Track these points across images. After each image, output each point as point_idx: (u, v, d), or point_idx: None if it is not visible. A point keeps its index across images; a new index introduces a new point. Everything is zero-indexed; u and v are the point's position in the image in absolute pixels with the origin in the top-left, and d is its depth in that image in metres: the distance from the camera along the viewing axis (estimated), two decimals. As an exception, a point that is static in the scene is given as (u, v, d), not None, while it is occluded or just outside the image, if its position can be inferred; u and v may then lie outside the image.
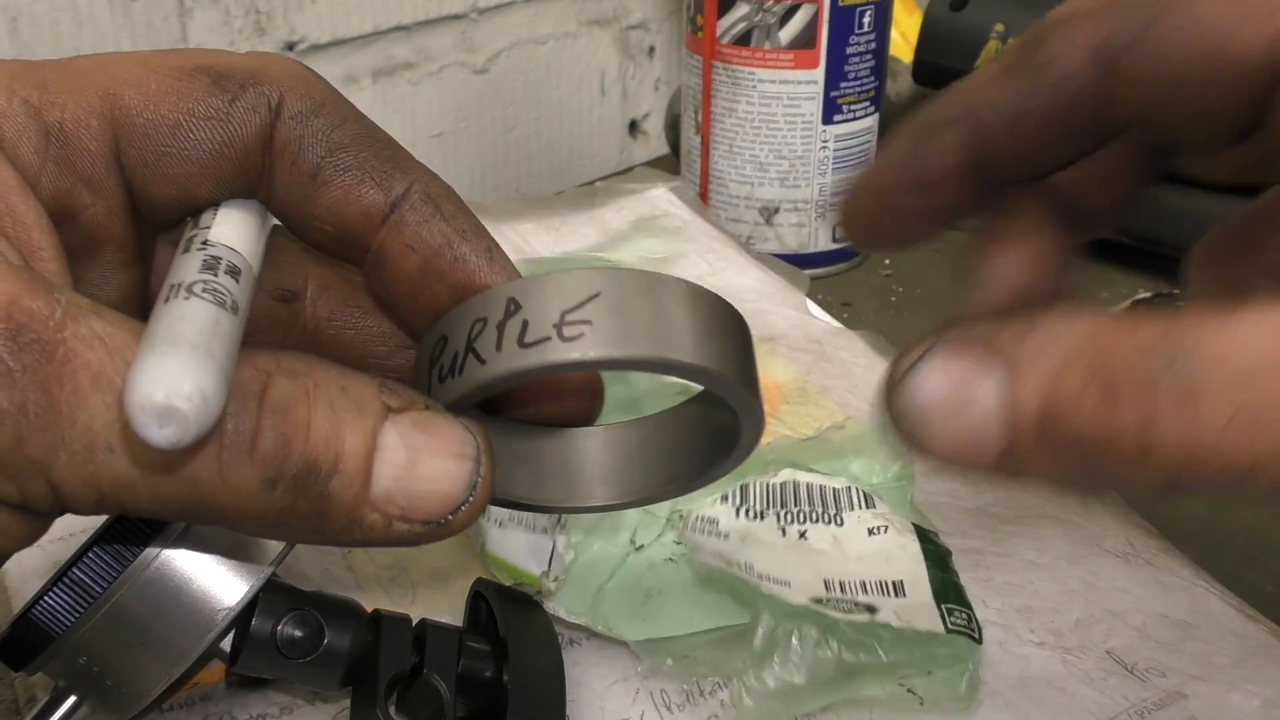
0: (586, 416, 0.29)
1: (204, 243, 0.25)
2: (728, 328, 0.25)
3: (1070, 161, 0.26)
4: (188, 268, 0.24)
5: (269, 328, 0.29)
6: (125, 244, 0.27)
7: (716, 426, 0.28)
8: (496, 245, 0.27)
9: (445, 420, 0.24)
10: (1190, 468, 0.20)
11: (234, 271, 0.24)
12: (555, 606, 0.37)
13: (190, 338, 0.21)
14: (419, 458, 0.23)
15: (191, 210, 0.27)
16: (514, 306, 0.23)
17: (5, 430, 0.20)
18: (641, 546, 0.40)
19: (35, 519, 0.23)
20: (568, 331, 0.23)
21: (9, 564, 0.40)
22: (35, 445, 0.21)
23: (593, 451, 0.29)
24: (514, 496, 0.29)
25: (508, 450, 0.28)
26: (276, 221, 0.28)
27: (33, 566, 0.40)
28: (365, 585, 0.40)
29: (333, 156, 0.26)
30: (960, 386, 0.21)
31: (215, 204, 0.27)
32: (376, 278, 0.27)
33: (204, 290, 0.23)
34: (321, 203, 0.26)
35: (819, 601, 0.35)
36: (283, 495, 0.22)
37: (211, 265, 0.24)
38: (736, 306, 0.25)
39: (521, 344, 0.23)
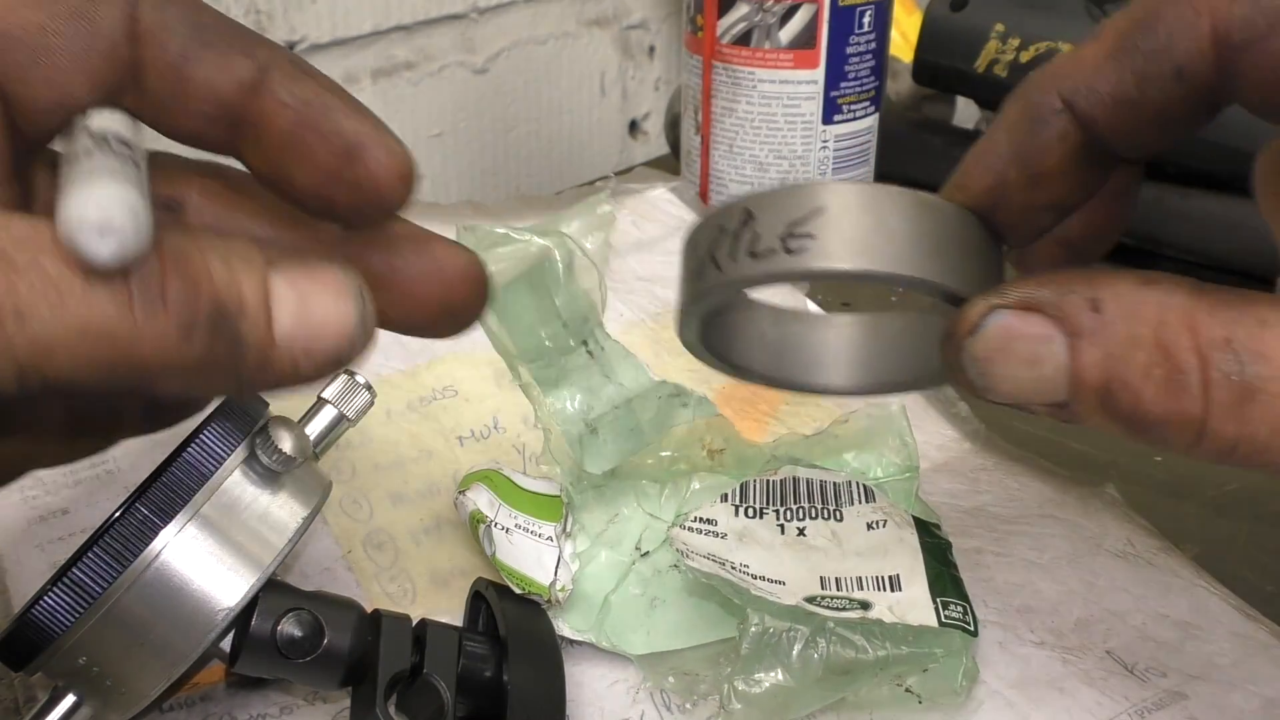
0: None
1: (87, 132, 0.25)
2: (952, 234, 0.25)
3: (1176, 141, 0.25)
4: (79, 146, 0.24)
5: None
6: (2, 158, 0.27)
7: None
8: (358, 101, 0.29)
9: (322, 263, 0.25)
10: (1237, 456, 0.22)
11: (124, 141, 0.25)
12: (560, 624, 0.37)
13: (108, 173, 0.22)
14: (308, 298, 0.25)
15: (69, 117, 0.27)
16: (747, 217, 0.25)
17: None
18: (647, 553, 0.40)
19: None
20: (792, 245, 0.24)
21: (9, 564, 0.40)
22: None
23: (844, 338, 0.31)
24: (769, 374, 0.30)
25: (763, 334, 0.30)
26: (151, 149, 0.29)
27: (33, 566, 0.40)
28: (365, 585, 0.40)
29: (199, 35, 0.28)
30: (1029, 343, 0.23)
31: (84, 115, 0.27)
32: (255, 146, 0.28)
33: (104, 150, 0.23)
34: (196, 80, 0.27)
35: (812, 600, 0.35)
36: (200, 341, 0.23)
37: (102, 139, 0.24)
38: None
39: (752, 254, 0.25)
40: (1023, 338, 0.23)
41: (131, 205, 0.21)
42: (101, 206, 0.21)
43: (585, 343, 0.42)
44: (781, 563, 0.38)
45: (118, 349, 0.22)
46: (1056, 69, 0.25)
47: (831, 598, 0.36)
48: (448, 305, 0.30)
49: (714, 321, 0.28)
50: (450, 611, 0.38)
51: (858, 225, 0.24)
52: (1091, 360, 0.22)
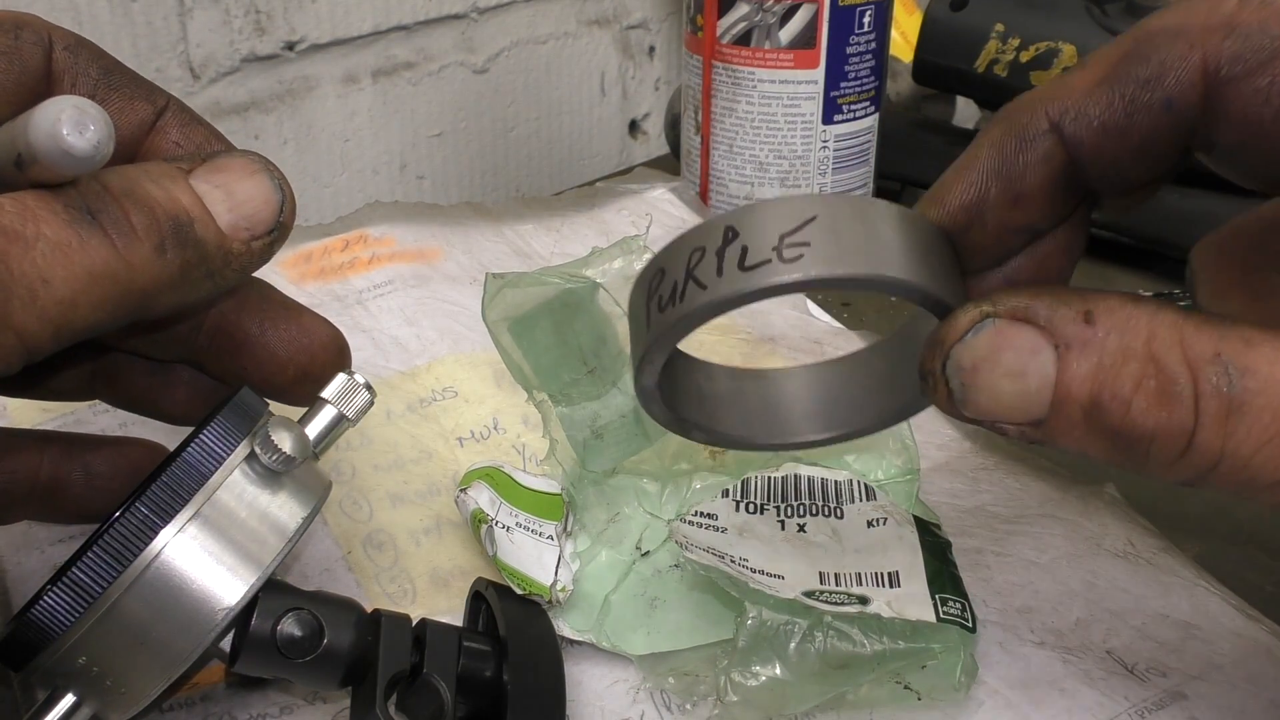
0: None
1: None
2: (936, 247, 0.25)
3: (1155, 180, 0.25)
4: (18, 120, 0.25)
5: None
6: None
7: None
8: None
9: (228, 155, 0.28)
10: (1220, 473, 0.22)
11: None
12: (560, 623, 0.37)
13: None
14: (230, 187, 0.28)
15: None
16: (732, 234, 0.24)
17: None
18: (648, 553, 0.40)
19: None
20: (787, 253, 0.23)
21: (9, 564, 0.40)
22: None
23: (798, 390, 0.30)
24: (727, 433, 0.30)
25: (718, 392, 0.30)
26: None
27: (32, 567, 0.40)
28: (365, 585, 0.40)
29: (107, 78, 0.31)
30: (1017, 355, 0.23)
31: None
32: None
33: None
34: None
35: (810, 595, 0.35)
36: (173, 254, 0.26)
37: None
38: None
39: (742, 268, 0.23)
40: (1011, 349, 0.23)
41: (94, 105, 0.24)
42: (76, 105, 0.23)
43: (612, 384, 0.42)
44: (781, 558, 0.38)
45: (119, 284, 0.25)
46: (1045, 92, 0.25)
47: (830, 592, 0.36)
48: (308, 372, 0.33)
49: (667, 378, 0.27)
50: (450, 611, 0.38)
51: (852, 232, 0.24)
52: (1081, 372, 0.22)
